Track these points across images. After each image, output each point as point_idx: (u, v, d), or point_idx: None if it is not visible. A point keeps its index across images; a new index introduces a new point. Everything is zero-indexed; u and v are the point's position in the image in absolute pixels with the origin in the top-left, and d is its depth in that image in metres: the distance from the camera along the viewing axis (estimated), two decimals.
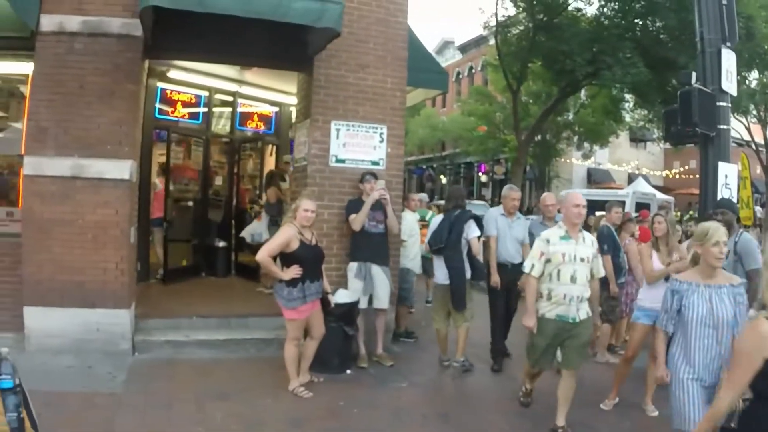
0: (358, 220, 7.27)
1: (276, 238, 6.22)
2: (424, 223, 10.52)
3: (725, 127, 8.31)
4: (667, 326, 4.37)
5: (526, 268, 5.61)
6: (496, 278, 7.56)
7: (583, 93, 29.28)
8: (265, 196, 10.68)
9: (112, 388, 6.10)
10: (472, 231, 7.48)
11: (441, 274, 7.56)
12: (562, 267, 5.43)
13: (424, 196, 13.74)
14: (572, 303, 5.43)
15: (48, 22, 6.98)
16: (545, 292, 5.51)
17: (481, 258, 7.70)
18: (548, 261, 5.47)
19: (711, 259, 4.16)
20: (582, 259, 5.48)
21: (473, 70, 48.57)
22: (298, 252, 6.15)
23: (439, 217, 7.87)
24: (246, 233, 10.36)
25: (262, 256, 6.11)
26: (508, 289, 7.62)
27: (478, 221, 7.57)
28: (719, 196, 7.73)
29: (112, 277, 7.14)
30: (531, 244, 7.08)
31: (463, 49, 50.73)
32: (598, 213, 8.84)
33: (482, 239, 7.68)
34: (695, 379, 4.10)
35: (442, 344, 7.74)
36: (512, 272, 7.44)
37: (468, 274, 7.45)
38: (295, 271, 6.09)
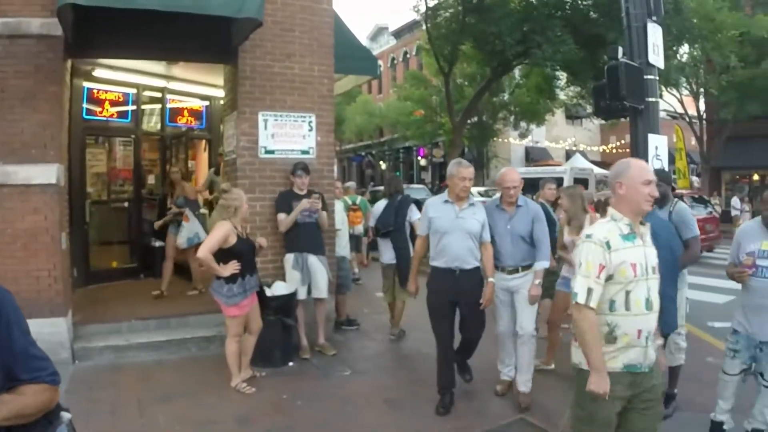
0: (284, 224, 7.27)
1: (214, 234, 6.07)
2: (354, 207, 10.81)
3: (654, 99, 8.46)
4: None
5: (579, 297, 3.25)
6: (413, 286, 6.17)
7: (517, 73, 29.64)
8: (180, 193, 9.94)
9: None
10: (413, 214, 8.21)
11: (388, 254, 8.33)
12: (633, 287, 3.28)
13: (352, 183, 15.11)
14: (648, 343, 3.32)
15: None
16: (603, 330, 3.31)
17: None
18: (609, 278, 3.28)
19: None
20: (654, 269, 3.39)
21: (408, 55, 48.86)
22: (237, 246, 6.09)
23: (382, 203, 8.43)
24: (182, 240, 9.37)
25: (204, 253, 5.93)
26: (456, 306, 5.80)
27: (418, 205, 8.02)
28: (651, 168, 7.86)
29: (45, 285, 6.95)
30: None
31: (398, 34, 50.94)
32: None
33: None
34: None
35: (392, 314, 8.50)
36: (462, 281, 5.64)
37: (411, 252, 7.61)
38: (234, 267, 6.03)
